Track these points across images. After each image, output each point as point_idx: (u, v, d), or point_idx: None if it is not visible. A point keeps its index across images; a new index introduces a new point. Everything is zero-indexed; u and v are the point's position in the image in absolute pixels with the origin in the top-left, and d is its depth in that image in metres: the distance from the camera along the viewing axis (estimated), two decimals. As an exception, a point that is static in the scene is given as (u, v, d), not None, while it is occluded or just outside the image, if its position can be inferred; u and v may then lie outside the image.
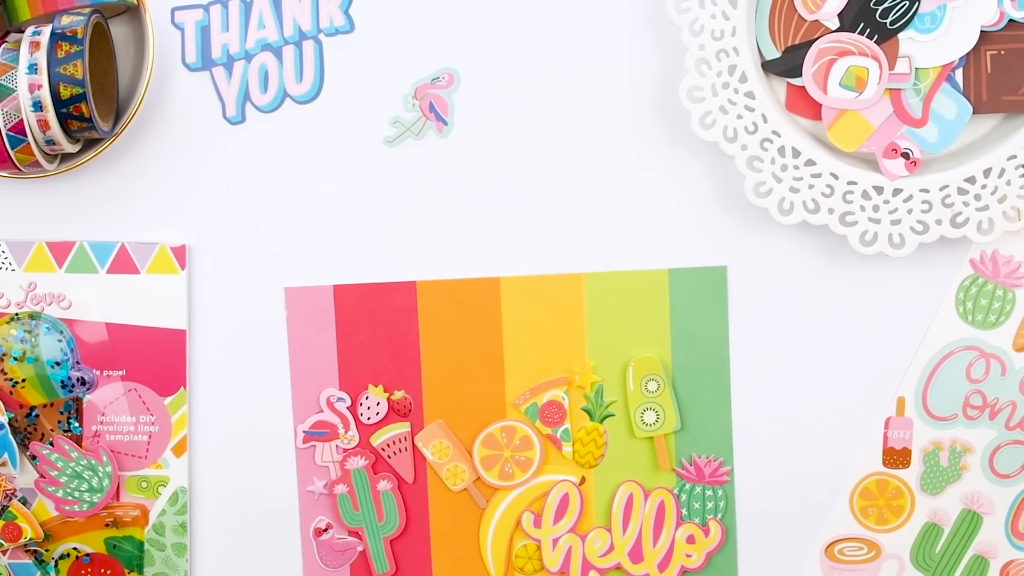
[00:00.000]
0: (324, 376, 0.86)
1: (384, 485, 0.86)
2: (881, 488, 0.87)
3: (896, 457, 0.87)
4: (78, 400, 0.85)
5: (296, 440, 0.86)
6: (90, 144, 0.82)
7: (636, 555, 0.88)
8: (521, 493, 0.87)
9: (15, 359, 0.84)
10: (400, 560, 0.87)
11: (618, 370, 0.86)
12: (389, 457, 0.87)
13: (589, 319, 0.86)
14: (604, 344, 0.86)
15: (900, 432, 0.87)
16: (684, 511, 0.87)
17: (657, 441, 0.86)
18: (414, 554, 0.87)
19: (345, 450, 0.87)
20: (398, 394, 0.86)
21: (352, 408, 0.86)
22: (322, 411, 0.86)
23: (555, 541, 0.87)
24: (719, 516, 0.87)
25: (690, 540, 0.88)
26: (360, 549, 0.87)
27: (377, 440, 0.87)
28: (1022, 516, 0.88)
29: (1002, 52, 0.81)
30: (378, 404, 0.86)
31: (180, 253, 0.84)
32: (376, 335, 0.86)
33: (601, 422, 0.87)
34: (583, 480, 0.87)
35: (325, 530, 0.87)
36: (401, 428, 0.87)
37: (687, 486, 0.87)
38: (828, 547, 0.88)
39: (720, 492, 0.87)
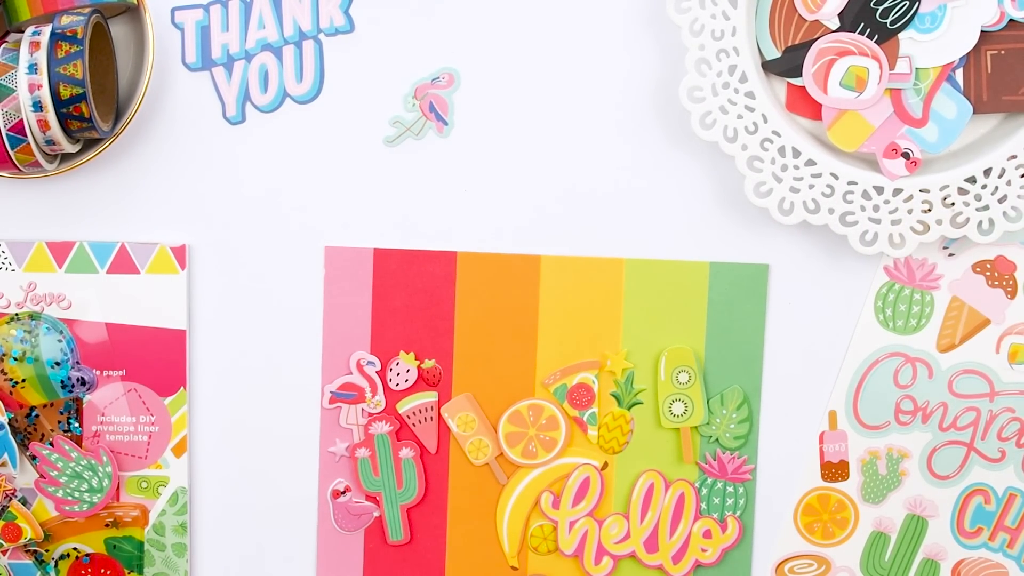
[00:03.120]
0: (356, 339, 0.86)
1: (406, 453, 0.87)
2: (823, 503, 0.88)
3: (834, 470, 0.87)
4: (78, 400, 0.85)
5: (323, 400, 0.86)
6: (90, 144, 0.82)
7: (651, 545, 0.88)
8: (542, 473, 0.87)
9: (15, 359, 0.84)
10: (415, 529, 0.88)
11: (650, 359, 0.86)
12: (414, 425, 0.87)
13: (627, 305, 0.86)
14: (639, 331, 0.86)
15: (835, 445, 0.87)
16: (704, 505, 0.88)
17: (683, 433, 0.87)
18: (430, 524, 0.88)
19: (371, 414, 0.87)
20: (428, 363, 0.86)
21: (381, 373, 0.86)
22: (351, 373, 0.86)
23: (572, 524, 0.88)
24: (738, 513, 0.87)
25: (707, 535, 0.88)
26: (376, 515, 0.87)
27: (403, 407, 0.87)
28: (967, 515, 0.88)
29: (1002, 52, 0.81)
30: (408, 371, 0.86)
31: (180, 253, 0.84)
32: (412, 302, 0.86)
33: (629, 409, 0.87)
34: (605, 465, 0.87)
35: (343, 492, 0.87)
36: (428, 397, 0.87)
37: (708, 480, 0.87)
38: (778, 566, 0.89)
39: (741, 490, 0.87)
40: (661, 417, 0.86)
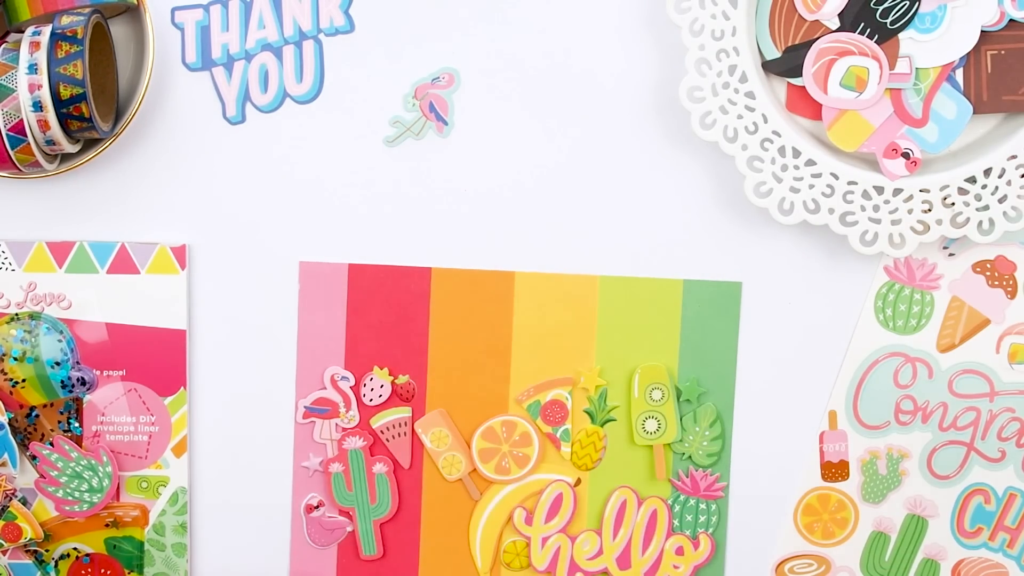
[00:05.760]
0: (331, 354, 0.86)
1: (380, 468, 0.87)
2: (823, 503, 0.88)
3: (834, 470, 0.87)
4: (78, 400, 0.85)
5: (296, 415, 0.86)
6: (90, 144, 0.82)
7: (624, 561, 0.88)
8: (515, 489, 0.87)
9: (15, 359, 0.84)
10: (388, 544, 0.87)
11: (624, 376, 0.86)
12: (387, 440, 0.87)
13: (600, 322, 0.86)
14: (612, 348, 0.86)
15: (835, 445, 0.87)
16: (676, 522, 0.88)
17: (656, 450, 0.87)
18: (402, 539, 0.87)
19: (344, 429, 0.87)
20: (402, 378, 0.86)
21: (355, 388, 0.86)
22: (325, 388, 0.86)
23: (544, 540, 0.88)
24: (710, 530, 0.87)
25: (679, 552, 0.88)
26: (349, 529, 0.87)
27: (377, 422, 0.87)
28: (966, 515, 0.88)
29: (1002, 52, 0.81)
30: (382, 387, 0.86)
31: (180, 253, 0.84)
32: (386, 318, 0.86)
33: (602, 426, 0.87)
34: (578, 482, 0.87)
35: (316, 507, 0.87)
36: (402, 413, 0.87)
37: (681, 498, 0.87)
38: (778, 566, 0.88)
39: (713, 507, 0.87)
40: (634, 434, 0.86)
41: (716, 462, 0.87)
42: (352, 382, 0.86)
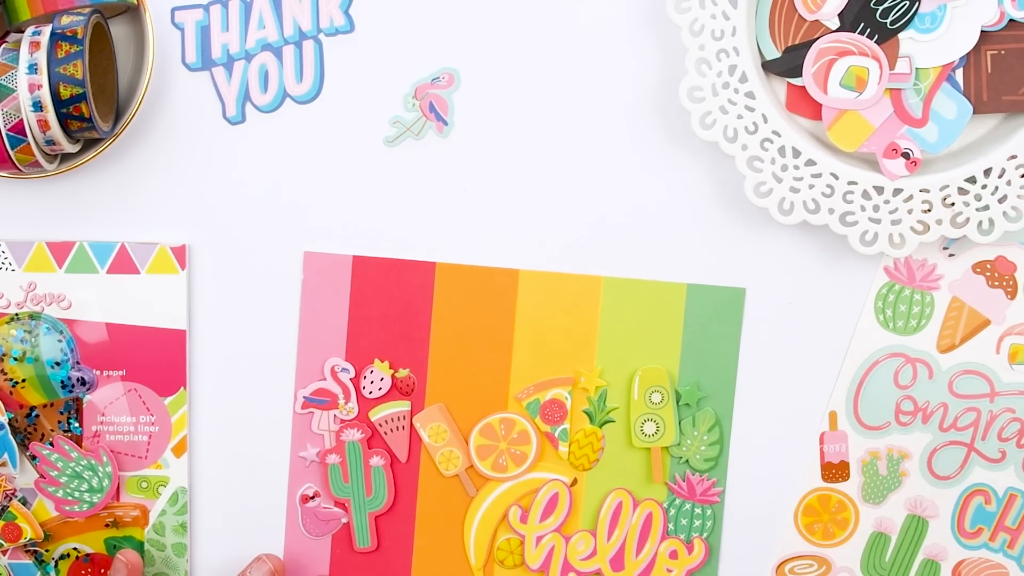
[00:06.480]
0: (331, 345, 0.86)
1: (377, 461, 0.86)
2: (824, 503, 0.88)
3: (834, 471, 0.87)
4: (78, 400, 0.85)
5: (295, 405, 0.86)
6: (90, 144, 0.82)
7: (617, 563, 0.88)
8: (512, 487, 0.87)
9: (15, 359, 0.84)
10: (382, 537, 0.87)
11: (624, 377, 0.86)
12: (385, 434, 0.87)
13: (602, 323, 0.86)
14: (614, 350, 0.86)
15: (835, 446, 0.87)
16: (671, 526, 0.87)
17: (653, 453, 0.86)
18: (397, 533, 0.87)
19: (343, 421, 0.87)
20: (403, 372, 0.86)
21: (355, 380, 0.86)
22: (325, 379, 0.86)
23: (539, 539, 0.88)
24: (705, 535, 0.87)
25: (673, 555, 0.88)
26: (344, 521, 0.87)
27: (376, 415, 0.87)
28: (967, 515, 0.88)
29: (1002, 52, 0.81)
30: (382, 380, 0.86)
31: (180, 253, 0.84)
32: (389, 311, 0.86)
33: (601, 427, 0.87)
34: (575, 482, 0.87)
35: (312, 497, 0.87)
36: (401, 406, 0.87)
37: (677, 501, 0.87)
38: (779, 567, 0.88)
39: (709, 511, 0.87)
40: (632, 436, 0.86)
41: (713, 467, 0.87)
42: (352, 374, 0.86)
